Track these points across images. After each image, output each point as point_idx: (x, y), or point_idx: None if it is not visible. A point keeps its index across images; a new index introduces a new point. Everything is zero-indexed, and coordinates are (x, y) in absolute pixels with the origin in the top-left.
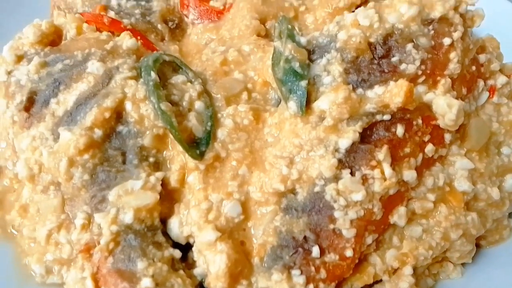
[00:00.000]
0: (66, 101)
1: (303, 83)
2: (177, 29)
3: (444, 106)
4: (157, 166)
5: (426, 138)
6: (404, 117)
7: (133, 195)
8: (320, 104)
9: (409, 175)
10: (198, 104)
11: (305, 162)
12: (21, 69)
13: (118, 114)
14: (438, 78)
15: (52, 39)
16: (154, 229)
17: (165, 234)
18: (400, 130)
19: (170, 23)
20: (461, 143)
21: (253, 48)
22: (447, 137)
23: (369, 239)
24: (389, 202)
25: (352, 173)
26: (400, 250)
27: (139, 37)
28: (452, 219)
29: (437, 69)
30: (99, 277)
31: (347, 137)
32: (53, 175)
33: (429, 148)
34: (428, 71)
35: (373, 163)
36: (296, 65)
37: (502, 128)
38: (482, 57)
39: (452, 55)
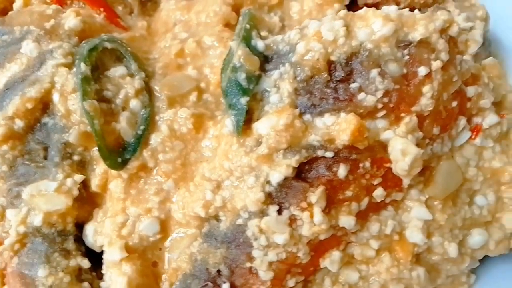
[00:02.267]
0: None
1: (244, 100)
2: (149, 2)
3: (398, 152)
4: (82, 165)
5: (376, 182)
6: (349, 157)
7: (44, 198)
8: (260, 127)
9: (346, 221)
10: (134, 103)
11: (233, 189)
12: None
13: (45, 105)
14: (403, 114)
15: (4, 6)
16: (66, 235)
17: (80, 239)
18: (342, 171)
19: None
20: (424, 187)
21: (214, 41)
22: (406, 181)
23: (291, 282)
24: (321, 245)
25: (279, 211)
26: None
27: (102, 9)
28: (393, 273)
29: (404, 104)
30: (6, 274)
31: (280, 171)
32: None
33: (378, 193)
34: (392, 105)
35: (304, 204)
36: (242, 77)
37: (480, 175)
38: (471, 90)
39: (426, 88)
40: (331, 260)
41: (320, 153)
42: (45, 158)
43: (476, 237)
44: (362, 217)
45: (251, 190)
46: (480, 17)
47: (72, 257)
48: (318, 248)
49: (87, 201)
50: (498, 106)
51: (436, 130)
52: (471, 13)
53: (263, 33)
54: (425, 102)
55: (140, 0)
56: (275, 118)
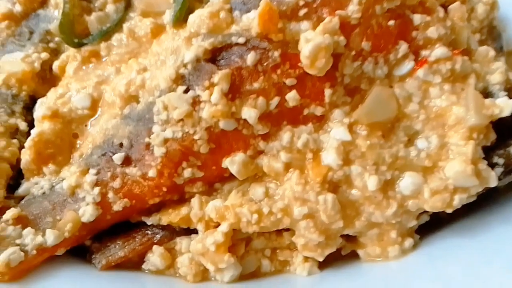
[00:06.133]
0: None
1: None
2: None
3: (303, 39)
4: (55, 53)
5: (289, 82)
6: (259, 46)
7: (11, 63)
8: (191, 16)
9: (248, 113)
10: (109, 8)
11: (154, 70)
12: None
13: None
14: (325, 15)
15: None
16: (18, 100)
17: (30, 110)
18: (250, 58)
19: None
20: (350, 110)
21: None
22: (327, 93)
23: (186, 172)
24: (225, 140)
25: (186, 91)
26: (225, 203)
27: None
28: (297, 191)
29: (329, 7)
30: None
31: (192, 50)
32: None
33: (291, 95)
34: (315, 5)
35: (207, 83)
36: None
37: (422, 114)
38: (417, 18)
39: None
40: (232, 160)
41: (234, 39)
42: (29, 39)
43: (408, 180)
44: (274, 122)
45: (166, 69)
46: (485, 1)
47: (14, 117)
48: (221, 142)
49: (48, 81)
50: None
51: (366, 46)
52: None
53: None
54: (352, 8)
55: None
56: (204, 9)
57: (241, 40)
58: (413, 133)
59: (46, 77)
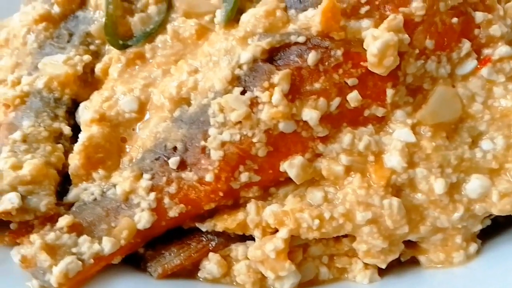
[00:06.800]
0: None
1: None
2: None
3: (370, 37)
4: (96, 56)
5: (351, 82)
6: (320, 44)
7: (52, 66)
8: (244, 16)
9: (309, 114)
10: (152, 9)
11: (207, 71)
12: None
13: (83, 0)
14: (388, 13)
15: None
16: (60, 103)
17: (73, 114)
18: (311, 57)
19: None
20: (413, 111)
21: None
22: (389, 93)
23: (243, 176)
24: (283, 143)
25: (243, 93)
26: (283, 208)
27: None
28: (360, 194)
29: (391, 3)
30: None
31: (249, 50)
32: (17, 39)
33: (353, 96)
34: (377, 3)
35: (266, 84)
36: None
37: (487, 114)
38: (479, 16)
39: None
40: (291, 163)
41: (293, 38)
42: (68, 42)
43: (475, 182)
44: (334, 124)
45: (221, 70)
46: None
47: (58, 121)
48: (279, 145)
49: (90, 84)
50: None
51: (430, 44)
52: None
53: None
54: (416, 5)
55: None
56: (258, 8)
57: (301, 39)
58: (477, 134)
59: (88, 80)
